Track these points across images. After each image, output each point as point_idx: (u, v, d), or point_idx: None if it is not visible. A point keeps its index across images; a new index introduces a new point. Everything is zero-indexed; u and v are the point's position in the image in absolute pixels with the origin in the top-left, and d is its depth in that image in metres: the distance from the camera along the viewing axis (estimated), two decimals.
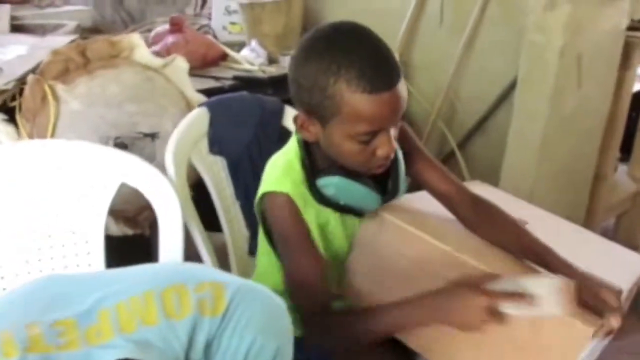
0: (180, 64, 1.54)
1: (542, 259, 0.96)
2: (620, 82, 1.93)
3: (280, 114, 1.41)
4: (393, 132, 0.91)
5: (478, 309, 0.83)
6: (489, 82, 1.97)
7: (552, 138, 1.61)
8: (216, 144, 1.27)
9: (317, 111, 0.89)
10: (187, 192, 1.15)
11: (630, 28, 1.91)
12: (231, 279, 0.68)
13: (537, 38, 1.52)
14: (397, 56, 1.98)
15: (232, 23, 2.29)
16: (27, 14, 2.16)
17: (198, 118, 1.24)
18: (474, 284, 0.86)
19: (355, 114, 0.86)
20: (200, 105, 1.26)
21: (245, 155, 1.35)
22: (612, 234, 2.52)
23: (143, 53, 1.50)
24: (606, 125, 1.92)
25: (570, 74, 1.56)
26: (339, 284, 1.07)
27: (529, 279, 0.85)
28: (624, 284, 1.15)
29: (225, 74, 1.96)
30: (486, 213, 1.03)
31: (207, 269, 0.72)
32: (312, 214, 0.97)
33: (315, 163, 0.99)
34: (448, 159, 2.09)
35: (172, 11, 3.12)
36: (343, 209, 0.99)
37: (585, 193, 1.92)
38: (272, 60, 2.09)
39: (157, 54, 1.98)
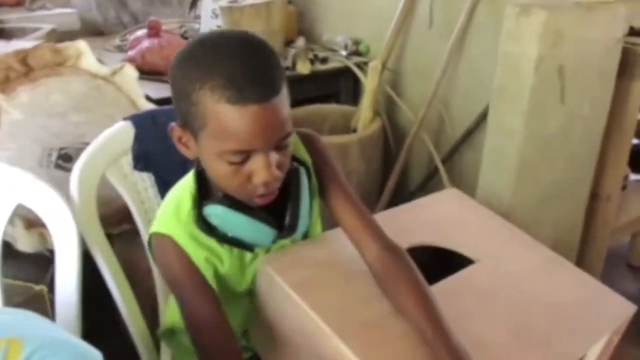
0: (129, 72, 1.47)
1: (430, 343, 0.82)
2: (624, 95, 1.75)
3: None
4: (275, 156, 0.80)
5: None
6: (478, 93, 1.83)
7: (532, 159, 1.46)
8: (141, 161, 1.19)
9: (188, 122, 0.80)
10: (94, 214, 1.07)
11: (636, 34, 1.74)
12: (35, 334, 0.60)
13: (511, 48, 1.37)
14: (379, 62, 1.89)
15: (219, 27, 2.22)
16: (14, 17, 2.16)
17: (119, 133, 1.16)
18: None
19: (220, 128, 0.76)
20: (125, 119, 1.18)
21: (180, 172, 1.26)
22: (626, 254, 2.34)
23: (90, 61, 1.44)
24: (605, 143, 1.74)
25: (551, 89, 1.40)
26: (245, 326, 0.98)
27: None
28: (603, 329, 1.02)
29: None
30: (392, 270, 0.89)
31: (18, 320, 0.64)
32: (202, 251, 0.88)
33: (208, 189, 0.90)
34: (435, 173, 1.96)
35: (178, 13, 3.09)
36: (233, 242, 0.89)
37: (578, 216, 1.75)
38: None
39: (132, 59, 1.94)
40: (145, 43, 1.95)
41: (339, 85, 2.15)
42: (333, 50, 2.21)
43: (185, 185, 0.91)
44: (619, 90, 1.73)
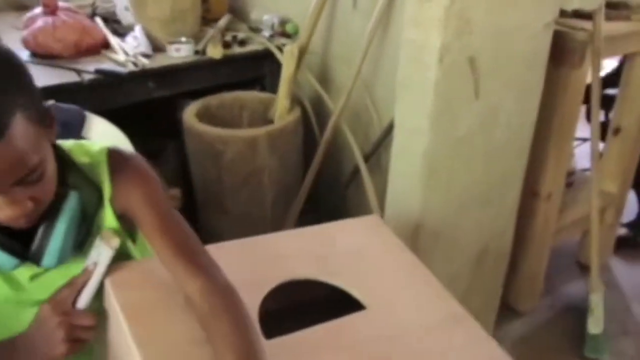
0: None
1: None
2: (562, 85, 1.57)
3: (78, 126, 1.16)
4: (22, 191, 0.66)
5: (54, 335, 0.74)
6: None
7: (442, 161, 1.28)
8: None
9: None
10: None
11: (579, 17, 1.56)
12: None
13: (414, 36, 1.19)
14: (296, 46, 1.70)
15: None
16: None
17: None
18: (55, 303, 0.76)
19: None
20: None
21: None
22: (576, 253, 2.19)
23: None
24: (543, 137, 1.58)
25: (461, 83, 1.22)
26: None
27: None
28: None
29: (95, 65, 1.70)
30: (210, 314, 0.75)
31: None
32: None
33: None
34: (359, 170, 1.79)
35: None
36: None
37: (509, 219, 1.59)
38: (158, 49, 1.81)
39: (25, 40, 1.75)
40: (39, 22, 1.75)
41: (263, 69, 1.96)
42: (258, 31, 2.02)
43: None
44: (556, 80, 1.56)
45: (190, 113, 1.70)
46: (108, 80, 1.63)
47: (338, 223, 1.08)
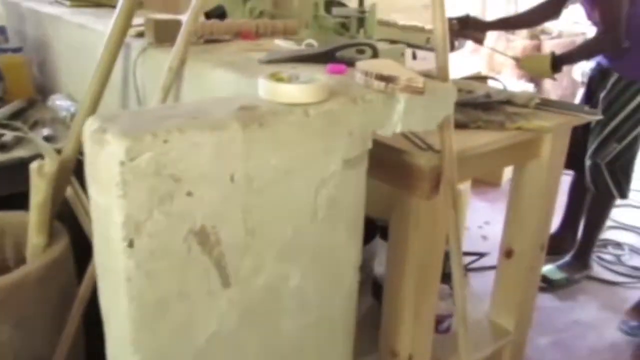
0: None
1: None
2: (416, 219, 1.14)
3: None
4: None
5: None
6: None
7: None
8: None
9: None
10: None
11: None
12: None
13: (95, 195, 0.73)
14: (49, 162, 1.21)
15: None
16: None
17: None
18: None
19: None
20: None
21: None
22: None
23: None
24: (395, 287, 1.15)
25: (188, 268, 0.75)
26: None
27: None
28: None
29: None
30: None
31: None
32: None
33: None
34: None
35: None
36: None
37: None
38: None
39: None
40: None
41: None
42: (48, 124, 1.54)
43: None
44: (405, 213, 1.16)
45: None
46: None
47: None
